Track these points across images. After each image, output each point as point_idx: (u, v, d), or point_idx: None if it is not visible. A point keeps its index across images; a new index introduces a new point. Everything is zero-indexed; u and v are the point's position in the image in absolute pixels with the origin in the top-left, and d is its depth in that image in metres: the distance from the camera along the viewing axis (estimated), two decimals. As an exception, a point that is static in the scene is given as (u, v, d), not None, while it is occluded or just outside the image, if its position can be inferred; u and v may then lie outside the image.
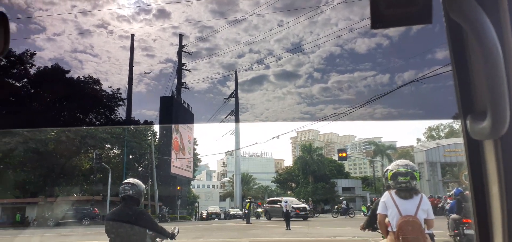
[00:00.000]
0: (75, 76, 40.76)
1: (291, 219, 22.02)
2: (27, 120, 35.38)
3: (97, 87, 40.19)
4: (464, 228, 10.93)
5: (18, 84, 37.16)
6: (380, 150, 58.83)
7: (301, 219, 28.02)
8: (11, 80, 36.38)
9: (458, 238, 11.32)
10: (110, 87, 59.20)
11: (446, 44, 1.09)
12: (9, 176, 35.32)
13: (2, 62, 33.75)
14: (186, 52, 53.28)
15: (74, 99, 37.44)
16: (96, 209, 30.05)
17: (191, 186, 55.11)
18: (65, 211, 29.52)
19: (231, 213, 42.43)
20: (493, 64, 0.83)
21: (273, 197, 39.30)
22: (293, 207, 26.30)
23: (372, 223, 5.35)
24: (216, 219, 38.38)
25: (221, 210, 44.18)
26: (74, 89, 37.01)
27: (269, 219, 30.18)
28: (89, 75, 49.13)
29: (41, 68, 38.49)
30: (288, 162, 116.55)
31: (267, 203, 33.02)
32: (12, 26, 41.73)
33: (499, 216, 1.03)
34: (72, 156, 37.38)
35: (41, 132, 34.88)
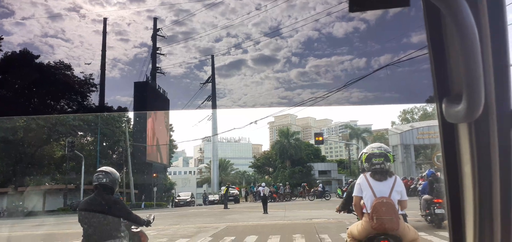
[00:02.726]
0: (46, 62, 39.17)
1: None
2: (-6, 108, 33.98)
3: (69, 72, 38.88)
4: (435, 207, 11.37)
5: (-16, 71, 35.51)
6: (356, 133, 59.68)
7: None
8: (-24, 66, 34.71)
9: (429, 217, 11.76)
10: (82, 72, 57.41)
11: (422, 28, 1.08)
12: (-24, 166, 33.99)
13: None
14: (161, 36, 52.11)
15: (44, 85, 36.10)
16: None
17: (167, 173, 54.62)
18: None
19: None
20: (470, 48, 0.83)
21: (251, 182, 38.97)
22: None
23: (347, 206, 5.45)
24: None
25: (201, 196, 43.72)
26: (44, 75, 35.68)
27: None
28: (60, 60, 47.35)
29: (9, 53, 36.81)
30: (266, 147, 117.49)
31: None
32: (-24, 10, 39.66)
33: (470, 196, 1.06)
34: (42, 144, 36.24)
35: (9, 120, 33.59)
